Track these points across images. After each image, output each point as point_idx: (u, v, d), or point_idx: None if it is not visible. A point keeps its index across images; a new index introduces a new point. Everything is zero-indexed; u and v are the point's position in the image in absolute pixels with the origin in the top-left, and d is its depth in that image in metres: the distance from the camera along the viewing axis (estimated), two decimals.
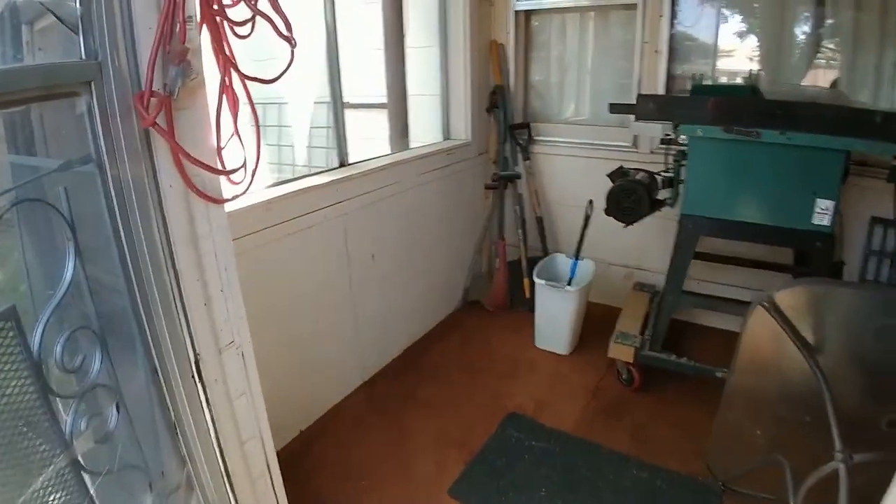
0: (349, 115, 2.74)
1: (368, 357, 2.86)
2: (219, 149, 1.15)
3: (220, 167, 1.15)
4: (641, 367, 2.72)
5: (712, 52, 3.21)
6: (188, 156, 1.03)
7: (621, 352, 2.74)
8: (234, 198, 1.20)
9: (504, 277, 3.55)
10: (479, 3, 3.39)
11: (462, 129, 3.49)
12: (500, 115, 3.54)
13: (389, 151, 3.16)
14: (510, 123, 3.54)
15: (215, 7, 1.06)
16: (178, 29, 1.00)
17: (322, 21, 2.51)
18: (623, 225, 2.72)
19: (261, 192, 2.19)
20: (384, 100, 3.32)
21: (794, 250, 2.89)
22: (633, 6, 3.17)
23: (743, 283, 3.12)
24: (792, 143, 2.21)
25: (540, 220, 3.59)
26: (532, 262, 3.47)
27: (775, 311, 1.70)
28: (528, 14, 3.59)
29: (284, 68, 1.21)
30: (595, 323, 3.23)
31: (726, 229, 2.50)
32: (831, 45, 2.92)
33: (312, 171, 2.55)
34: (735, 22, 3.16)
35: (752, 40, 3.14)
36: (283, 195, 2.21)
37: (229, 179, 1.20)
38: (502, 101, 3.52)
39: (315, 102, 3.92)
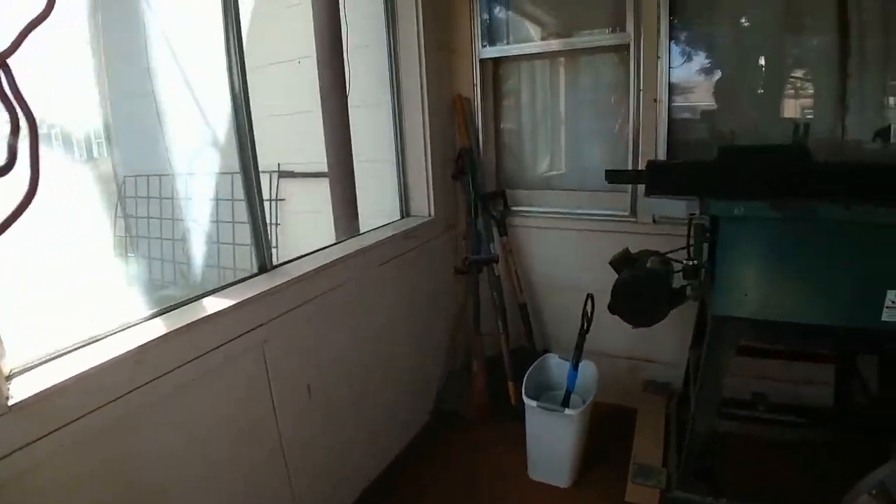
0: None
1: None
2: None
3: None
4: None
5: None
6: None
7: (643, 495, 2.11)
8: None
9: (483, 381, 2.86)
10: (438, 50, 2.81)
11: (423, 204, 2.85)
12: (468, 183, 2.92)
13: (334, 240, 2.48)
14: (481, 192, 2.92)
15: None
16: None
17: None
18: (632, 326, 2.12)
19: (129, 333, 1.49)
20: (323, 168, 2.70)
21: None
22: (623, 47, 2.64)
23: (778, 375, 2.54)
24: (858, 221, 1.62)
25: (523, 308, 2.94)
26: (516, 357, 2.82)
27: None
28: (497, 62, 3.03)
29: None
30: (600, 430, 2.57)
31: (773, 332, 1.88)
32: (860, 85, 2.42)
33: (210, 289, 1.81)
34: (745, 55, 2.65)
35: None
36: (166, 335, 1.49)
37: None
38: (470, 166, 2.91)
39: (220, 173, 3.15)
